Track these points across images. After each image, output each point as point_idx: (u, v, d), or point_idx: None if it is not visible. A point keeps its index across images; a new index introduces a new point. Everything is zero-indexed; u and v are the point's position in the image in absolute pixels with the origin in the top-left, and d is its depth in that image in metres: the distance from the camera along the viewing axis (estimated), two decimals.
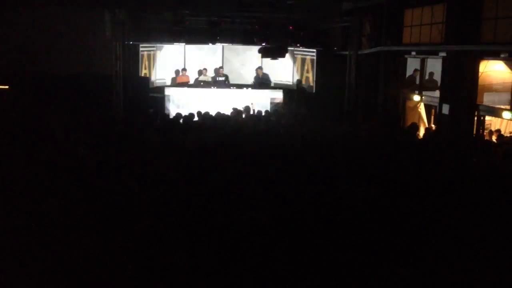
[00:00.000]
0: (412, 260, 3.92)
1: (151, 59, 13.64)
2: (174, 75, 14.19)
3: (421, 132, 11.19)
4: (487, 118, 9.83)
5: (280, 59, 12.96)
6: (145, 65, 13.41)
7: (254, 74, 14.36)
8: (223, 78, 14.11)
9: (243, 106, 11.57)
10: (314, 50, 13.81)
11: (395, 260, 3.89)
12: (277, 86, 14.04)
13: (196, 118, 10.09)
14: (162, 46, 13.91)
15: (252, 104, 12.09)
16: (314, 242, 3.98)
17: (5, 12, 11.62)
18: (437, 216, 4.63)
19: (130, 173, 5.06)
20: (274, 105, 12.88)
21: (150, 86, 13.34)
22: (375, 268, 3.69)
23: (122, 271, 3.52)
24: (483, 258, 3.89)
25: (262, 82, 14.06)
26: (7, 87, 12.01)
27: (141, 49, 13.16)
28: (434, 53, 10.44)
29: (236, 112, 10.97)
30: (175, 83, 14.00)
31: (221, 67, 14.32)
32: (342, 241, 4.09)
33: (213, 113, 10.55)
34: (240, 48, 14.39)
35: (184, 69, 14.20)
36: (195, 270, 3.47)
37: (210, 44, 13.62)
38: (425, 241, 4.18)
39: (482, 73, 9.42)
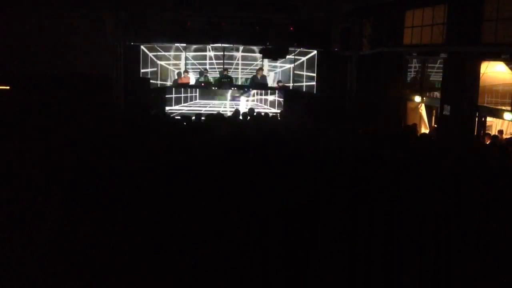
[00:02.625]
0: (414, 265, 3.91)
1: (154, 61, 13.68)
2: (176, 77, 14.22)
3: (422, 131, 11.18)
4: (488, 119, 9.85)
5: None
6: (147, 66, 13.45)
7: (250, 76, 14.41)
8: (227, 80, 14.12)
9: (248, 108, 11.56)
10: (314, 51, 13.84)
11: (395, 264, 3.88)
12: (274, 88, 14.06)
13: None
14: (164, 47, 13.94)
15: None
16: (315, 244, 3.97)
17: (6, 12, 11.64)
18: (440, 219, 4.62)
19: (133, 167, 5.04)
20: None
21: (151, 87, 13.36)
22: (375, 272, 3.67)
23: (125, 269, 3.51)
24: (485, 261, 3.88)
25: (260, 83, 14.07)
26: (8, 87, 12.03)
27: (142, 50, 13.20)
28: (435, 54, 10.44)
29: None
30: (176, 84, 14.03)
31: (226, 69, 14.33)
32: (342, 244, 4.08)
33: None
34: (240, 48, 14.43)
35: (186, 71, 14.21)
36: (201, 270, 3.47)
37: (211, 44, 13.64)
38: (427, 244, 4.17)
39: (483, 74, 9.43)
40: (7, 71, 11.80)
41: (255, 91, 13.80)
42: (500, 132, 10.11)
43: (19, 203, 4.74)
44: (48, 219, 4.55)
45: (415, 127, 11.00)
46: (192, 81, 14.17)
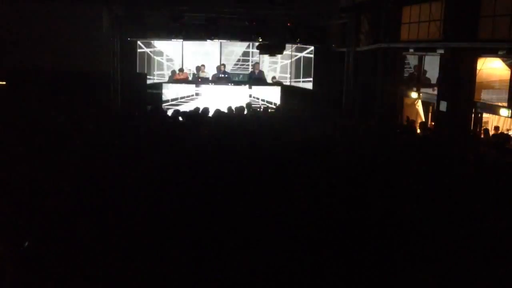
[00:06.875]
0: (416, 261, 3.91)
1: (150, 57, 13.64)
2: (171, 74, 14.18)
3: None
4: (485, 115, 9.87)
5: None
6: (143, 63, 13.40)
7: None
8: (224, 75, 14.08)
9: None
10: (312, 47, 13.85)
11: (397, 261, 3.88)
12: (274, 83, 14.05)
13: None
14: (161, 43, 13.90)
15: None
16: (315, 244, 3.97)
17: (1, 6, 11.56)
18: (441, 216, 4.62)
19: (129, 168, 5.04)
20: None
21: (148, 83, 13.33)
22: (378, 269, 3.67)
23: (121, 270, 3.51)
24: (485, 257, 3.89)
25: (257, 78, 14.05)
26: (4, 83, 11.98)
27: (139, 47, 13.15)
28: (432, 50, 10.45)
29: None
30: (172, 80, 13.99)
31: (223, 64, 14.27)
32: (345, 242, 4.08)
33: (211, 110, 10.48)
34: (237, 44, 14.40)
35: (181, 69, 14.13)
36: (194, 268, 3.47)
37: (208, 40, 13.60)
38: (429, 241, 4.17)
39: (479, 70, 9.44)
40: (3, 67, 11.74)
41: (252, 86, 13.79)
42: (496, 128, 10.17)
43: (18, 201, 4.72)
44: (47, 214, 4.54)
45: (413, 124, 11.04)
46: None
